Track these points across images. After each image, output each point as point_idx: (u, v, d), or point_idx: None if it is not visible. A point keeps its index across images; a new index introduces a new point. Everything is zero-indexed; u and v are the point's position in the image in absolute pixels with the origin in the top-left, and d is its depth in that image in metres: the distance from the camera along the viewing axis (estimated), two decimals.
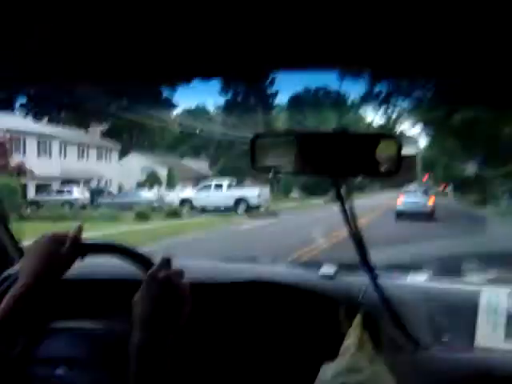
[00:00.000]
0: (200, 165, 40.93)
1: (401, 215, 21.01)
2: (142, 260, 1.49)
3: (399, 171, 1.36)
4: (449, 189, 41.37)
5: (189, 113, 41.77)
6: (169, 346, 1.33)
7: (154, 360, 1.30)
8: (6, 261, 2.12)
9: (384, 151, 1.36)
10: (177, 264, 1.44)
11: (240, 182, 31.07)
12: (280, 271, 2.01)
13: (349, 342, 1.48)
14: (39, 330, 1.62)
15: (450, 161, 38.62)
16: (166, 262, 1.41)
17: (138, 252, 1.52)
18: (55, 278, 1.45)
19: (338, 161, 1.40)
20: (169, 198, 29.93)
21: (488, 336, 1.71)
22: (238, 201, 27.99)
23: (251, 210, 27.00)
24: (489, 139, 24.52)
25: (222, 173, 35.54)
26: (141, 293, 1.37)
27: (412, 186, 27.59)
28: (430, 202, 22.20)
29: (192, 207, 28.28)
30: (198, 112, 41.45)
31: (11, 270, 2.01)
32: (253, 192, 28.14)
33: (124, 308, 1.44)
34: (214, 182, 30.49)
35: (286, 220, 22.30)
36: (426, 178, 46.93)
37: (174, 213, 25.59)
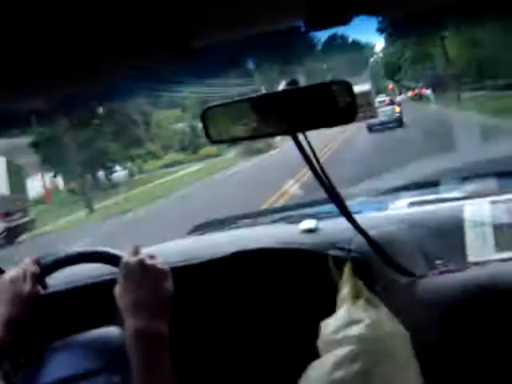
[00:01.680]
0: None
1: (372, 128, 22.44)
2: (109, 257, 1.51)
3: (357, 113, 1.32)
4: (426, 92, 39.50)
5: None
6: (164, 327, 1.33)
7: (153, 343, 1.30)
8: None
9: (338, 97, 1.33)
10: (151, 250, 1.45)
11: None
12: (261, 233, 1.98)
13: (343, 292, 1.46)
14: (36, 351, 1.59)
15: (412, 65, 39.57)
16: (135, 249, 1.44)
17: (102, 251, 1.53)
18: (27, 316, 1.48)
19: (293, 117, 1.37)
20: None
21: (479, 250, 1.70)
22: None
23: None
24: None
25: None
26: (119, 284, 1.38)
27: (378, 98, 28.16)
28: (397, 111, 23.26)
29: None
30: None
31: None
32: None
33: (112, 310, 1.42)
34: None
35: None
36: (390, 87, 47.76)
37: None
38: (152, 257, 1.43)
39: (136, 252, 1.44)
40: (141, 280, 1.35)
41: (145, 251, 1.48)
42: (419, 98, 41.75)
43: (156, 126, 37.11)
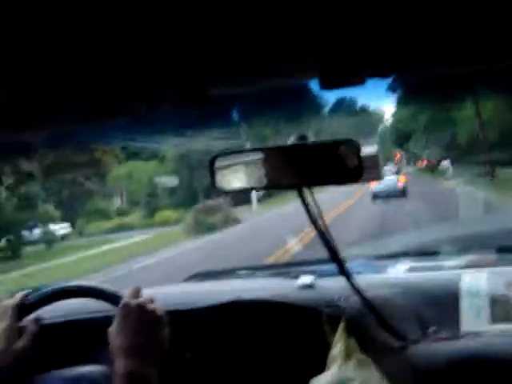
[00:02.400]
0: None
1: (376, 197, 22.63)
2: (108, 295, 1.51)
3: (363, 173, 1.34)
4: (443, 164, 33.63)
5: None
6: (154, 372, 1.33)
7: None
8: None
9: (344, 156, 1.35)
10: (148, 292, 1.45)
11: None
12: (258, 285, 1.99)
13: (335, 351, 1.46)
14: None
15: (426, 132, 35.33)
16: (136, 291, 1.44)
17: (101, 288, 1.54)
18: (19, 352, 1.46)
19: (300, 172, 1.39)
20: None
21: (473, 320, 1.70)
22: None
23: None
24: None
25: None
26: (116, 324, 1.37)
27: (386, 168, 28.31)
28: (401, 182, 23.24)
29: None
30: None
31: None
32: None
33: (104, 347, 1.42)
34: None
35: None
36: (397, 156, 45.76)
37: None
38: (152, 301, 1.43)
39: (137, 294, 1.44)
40: (139, 323, 1.35)
41: (145, 294, 1.48)
42: (431, 170, 37.86)
43: (126, 177, 32.69)
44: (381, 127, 60.40)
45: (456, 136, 31.64)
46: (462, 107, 27.94)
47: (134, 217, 31.71)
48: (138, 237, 24.10)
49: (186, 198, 31.28)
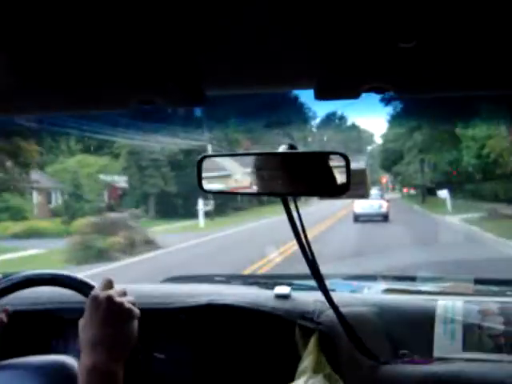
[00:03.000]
0: None
1: (358, 218, 22.62)
2: (81, 285, 1.49)
3: (349, 188, 1.33)
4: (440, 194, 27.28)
5: None
6: (120, 366, 1.30)
7: (105, 381, 1.27)
8: None
9: (333, 168, 1.34)
10: (125, 289, 1.42)
11: None
12: (233, 292, 1.97)
13: (305, 364, 1.45)
14: None
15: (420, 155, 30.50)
16: (108, 284, 1.40)
17: (75, 277, 1.51)
18: None
19: (287, 180, 1.38)
20: None
21: (445, 346, 1.70)
22: None
23: None
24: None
25: None
26: (85, 316, 1.35)
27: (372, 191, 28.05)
28: (385, 206, 23.23)
29: None
30: None
31: None
32: None
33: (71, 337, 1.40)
34: None
35: None
36: (383, 180, 43.06)
37: None
38: (123, 294, 1.39)
39: (108, 286, 1.39)
40: (105, 316, 1.32)
41: (118, 287, 1.44)
42: (422, 199, 32.73)
43: (70, 172, 26.43)
44: (369, 148, 57.49)
45: (459, 162, 25.87)
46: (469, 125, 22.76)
47: (54, 221, 23.99)
48: (33, 249, 17.23)
49: (132, 202, 27.88)
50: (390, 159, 39.11)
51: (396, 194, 43.84)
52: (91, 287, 1.45)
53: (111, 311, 1.33)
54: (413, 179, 36.73)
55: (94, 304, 1.34)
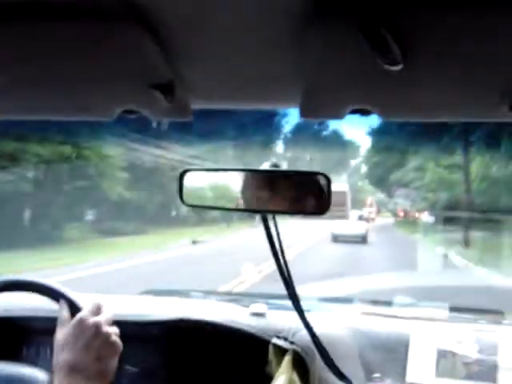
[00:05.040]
0: None
1: (336, 239, 22.16)
2: (52, 292, 1.44)
3: (329, 208, 1.34)
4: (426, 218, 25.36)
5: None
6: None
7: None
8: None
9: (314, 188, 1.35)
10: (99, 298, 1.38)
11: None
12: (209, 307, 1.96)
13: (278, 382, 1.45)
14: None
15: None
16: (97, 309, 1.33)
17: (46, 285, 1.47)
18: None
19: (268, 198, 1.39)
20: None
21: (419, 372, 1.70)
22: None
23: None
24: None
25: None
26: (65, 335, 1.28)
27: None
28: (363, 228, 23.09)
29: None
30: None
31: None
32: None
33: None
34: None
35: None
36: (368, 202, 37.74)
37: None
38: (111, 323, 1.34)
39: (97, 312, 1.33)
40: (90, 344, 1.26)
41: (102, 307, 1.36)
42: (412, 223, 28.26)
43: None
44: (353, 165, 47.69)
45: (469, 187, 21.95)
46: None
47: None
48: None
49: None
50: (376, 176, 32.88)
51: (386, 219, 37.33)
52: (61, 294, 1.41)
53: (97, 340, 1.27)
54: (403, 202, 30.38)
55: (80, 327, 1.28)
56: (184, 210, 23.27)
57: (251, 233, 20.75)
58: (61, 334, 1.29)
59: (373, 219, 32.56)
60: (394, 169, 29.31)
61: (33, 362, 1.51)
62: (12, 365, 1.51)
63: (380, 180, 33.38)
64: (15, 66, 0.97)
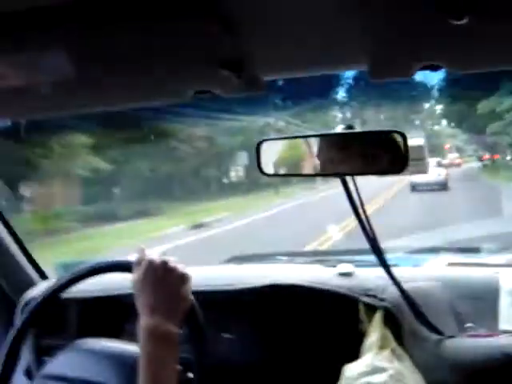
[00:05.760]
0: None
1: (415, 188, 21.35)
2: (124, 265, 1.50)
3: (407, 165, 1.34)
4: None
5: None
6: (177, 330, 1.34)
7: (163, 341, 1.32)
8: (26, 282, 2.15)
9: (391, 146, 1.35)
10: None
11: None
12: (296, 271, 2.00)
13: (370, 340, 1.47)
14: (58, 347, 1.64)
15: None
16: (143, 251, 1.44)
17: (116, 261, 1.53)
18: None
19: (347, 160, 1.40)
20: None
21: (511, 319, 1.69)
22: None
23: None
24: None
25: None
26: (139, 279, 1.39)
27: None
28: (443, 175, 21.90)
29: None
30: None
31: (31, 292, 2.04)
32: None
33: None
34: None
35: None
36: (447, 147, 34.77)
37: None
38: (176, 261, 1.44)
39: (145, 253, 1.44)
40: (163, 280, 1.38)
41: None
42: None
43: None
44: (427, 106, 37.21)
45: None
46: None
47: None
48: None
49: None
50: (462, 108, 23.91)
51: (468, 164, 32.08)
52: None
53: (168, 275, 1.38)
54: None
55: (151, 268, 1.39)
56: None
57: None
58: (136, 278, 1.40)
59: (458, 164, 30.65)
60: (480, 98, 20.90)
61: (133, 338, 1.59)
62: (112, 341, 1.60)
63: (462, 117, 26.20)
64: (93, 61, 1.01)
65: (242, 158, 20.90)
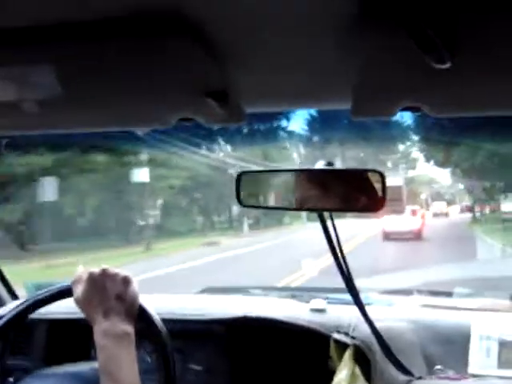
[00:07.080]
0: None
1: (388, 237, 20.15)
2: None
3: (385, 205, 1.35)
4: None
5: None
6: (133, 328, 1.35)
7: (119, 340, 1.32)
8: None
9: (370, 185, 1.36)
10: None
11: None
12: (269, 305, 1.99)
13: (339, 377, 1.47)
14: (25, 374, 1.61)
15: None
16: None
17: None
18: None
19: (323, 196, 1.41)
20: None
21: (481, 363, 1.70)
22: None
23: None
24: None
25: None
26: (83, 295, 1.39)
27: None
28: (418, 224, 21.31)
29: None
30: None
31: (1, 310, 2.02)
32: None
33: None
34: None
35: None
36: (424, 197, 32.69)
37: None
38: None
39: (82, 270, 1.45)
40: (107, 287, 1.38)
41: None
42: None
43: None
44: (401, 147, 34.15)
45: None
46: None
47: None
48: None
49: None
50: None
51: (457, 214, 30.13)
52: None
53: (110, 280, 1.40)
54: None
55: (92, 278, 1.39)
56: None
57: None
58: (78, 294, 1.41)
59: (446, 214, 29.66)
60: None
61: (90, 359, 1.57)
62: (85, 362, 1.58)
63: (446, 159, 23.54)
64: (79, 81, 1.02)
65: None
